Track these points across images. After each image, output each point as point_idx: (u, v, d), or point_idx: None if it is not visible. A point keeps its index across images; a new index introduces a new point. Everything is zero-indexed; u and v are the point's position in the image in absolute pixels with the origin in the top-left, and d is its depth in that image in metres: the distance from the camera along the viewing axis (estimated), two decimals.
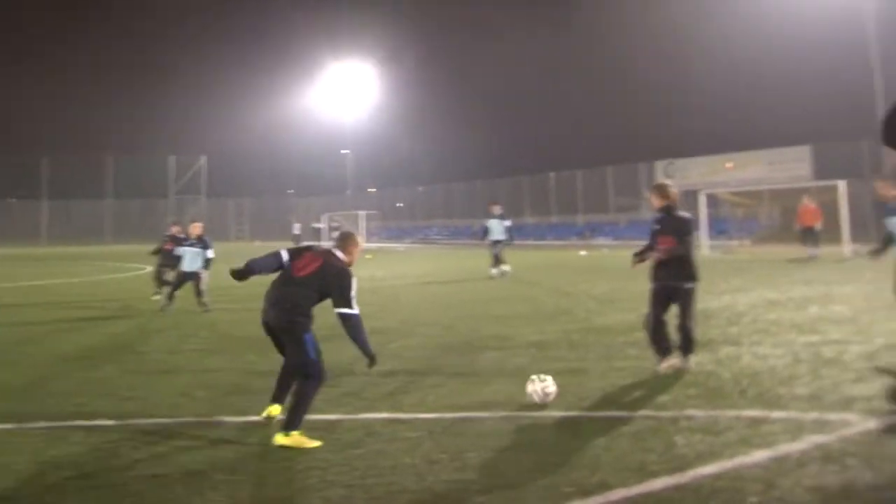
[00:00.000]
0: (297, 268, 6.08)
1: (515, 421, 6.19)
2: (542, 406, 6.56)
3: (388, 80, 71.54)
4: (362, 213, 58.18)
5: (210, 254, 14.53)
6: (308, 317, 6.00)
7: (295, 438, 5.65)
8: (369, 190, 78.15)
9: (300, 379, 5.95)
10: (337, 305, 5.94)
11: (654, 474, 4.84)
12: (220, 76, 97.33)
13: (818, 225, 25.41)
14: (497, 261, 20.49)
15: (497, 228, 20.60)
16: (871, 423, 5.79)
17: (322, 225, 56.82)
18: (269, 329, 6.12)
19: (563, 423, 6.10)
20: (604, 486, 4.65)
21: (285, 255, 6.23)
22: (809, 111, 51.64)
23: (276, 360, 6.45)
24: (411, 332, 10.63)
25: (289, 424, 5.71)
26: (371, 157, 78.56)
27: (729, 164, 46.87)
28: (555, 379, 6.75)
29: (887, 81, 38.17)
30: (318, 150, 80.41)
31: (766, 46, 59.43)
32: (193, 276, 14.36)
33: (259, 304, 6.14)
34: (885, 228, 9.83)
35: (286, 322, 5.95)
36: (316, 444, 5.65)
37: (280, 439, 5.65)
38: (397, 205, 72.15)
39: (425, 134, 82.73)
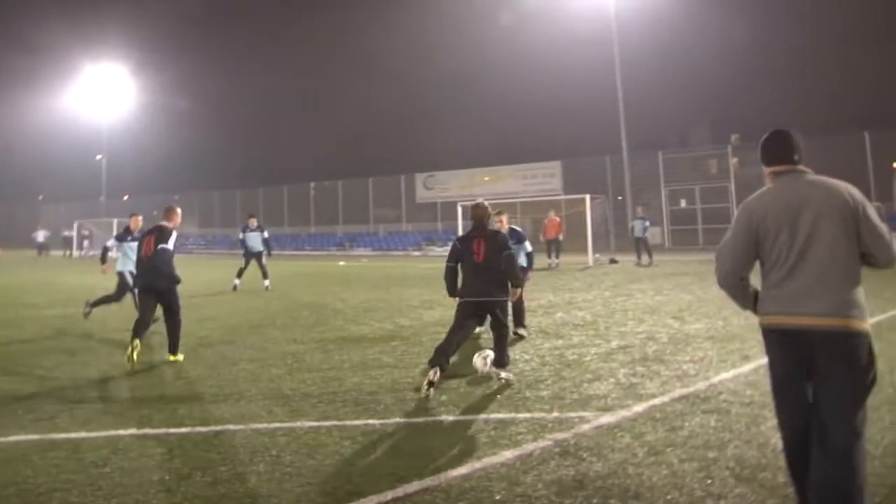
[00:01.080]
0: (146, 251, 9.50)
1: (269, 433, 6.07)
2: (295, 417, 6.52)
3: (144, 84, 68.29)
4: (115, 220, 54.82)
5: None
6: (175, 277, 9.44)
7: (179, 358, 9.23)
8: (124, 197, 74.09)
9: (173, 318, 9.38)
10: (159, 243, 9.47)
11: (407, 479, 4.92)
12: None
13: (561, 236, 27.73)
14: (240, 273, 20.35)
15: (255, 241, 20.35)
16: (604, 419, 6.25)
17: (72, 233, 53.05)
18: (149, 292, 9.37)
19: (317, 433, 6.06)
20: (357, 494, 4.68)
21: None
22: (560, 130, 55.39)
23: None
24: (163, 345, 10.15)
25: (175, 349, 9.30)
26: (126, 162, 74.38)
27: (486, 178, 49.04)
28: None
29: (627, 107, 41.81)
30: (70, 155, 75.14)
31: (524, 70, 63.07)
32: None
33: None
34: None
35: (171, 285, 9.39)
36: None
37: (172, 357, 9.23)
38: (153, 213, 68.82)
39: (183, 140, 79.63)
